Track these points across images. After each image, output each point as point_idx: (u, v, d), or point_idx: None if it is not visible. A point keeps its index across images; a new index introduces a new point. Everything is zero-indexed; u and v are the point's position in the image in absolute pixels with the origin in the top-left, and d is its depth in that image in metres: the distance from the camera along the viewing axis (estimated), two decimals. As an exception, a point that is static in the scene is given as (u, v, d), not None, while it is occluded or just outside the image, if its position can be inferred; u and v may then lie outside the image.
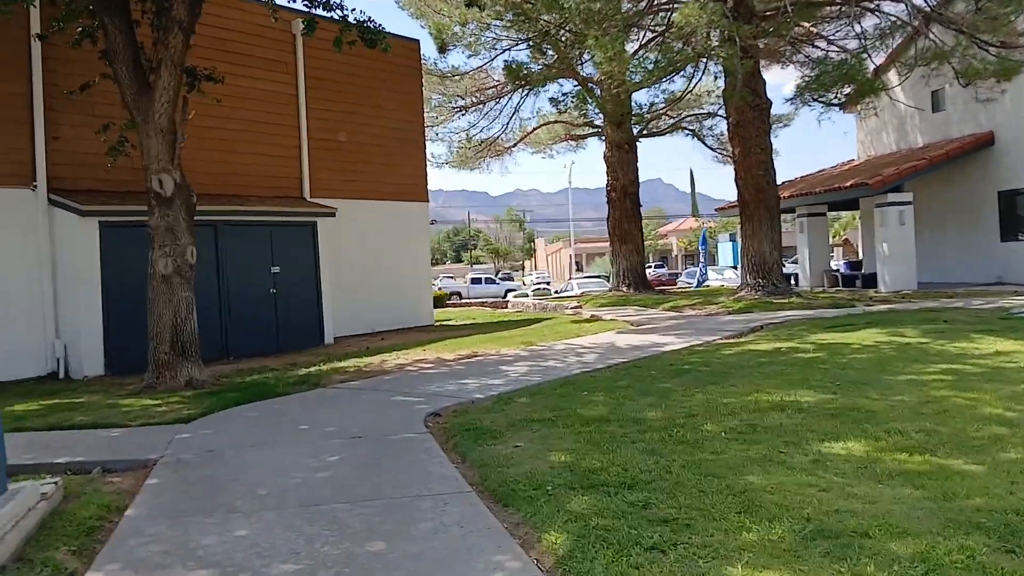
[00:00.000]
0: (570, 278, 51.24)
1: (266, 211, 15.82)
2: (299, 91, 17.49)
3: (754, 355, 10.33)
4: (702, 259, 37.79)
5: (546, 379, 9.47)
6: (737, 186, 19.72)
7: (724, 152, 31.36)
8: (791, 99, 18.64)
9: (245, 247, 15.49)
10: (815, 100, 17.96)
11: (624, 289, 26.90)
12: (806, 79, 16.59)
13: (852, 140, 30.75)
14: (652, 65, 15.77)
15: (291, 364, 13.19)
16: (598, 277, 49.70)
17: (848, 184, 23.43)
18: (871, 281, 24.92)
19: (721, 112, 29.87)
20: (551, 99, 25.93)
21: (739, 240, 30.77)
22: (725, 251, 53.24)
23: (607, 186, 27.57)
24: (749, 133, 19.10)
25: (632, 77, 16.52)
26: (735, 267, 47.22)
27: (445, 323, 20.62)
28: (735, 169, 19.72)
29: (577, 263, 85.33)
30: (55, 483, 5.69)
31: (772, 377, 8.61)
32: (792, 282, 30.12)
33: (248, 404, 9.00)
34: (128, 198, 13.68)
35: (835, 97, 17.73)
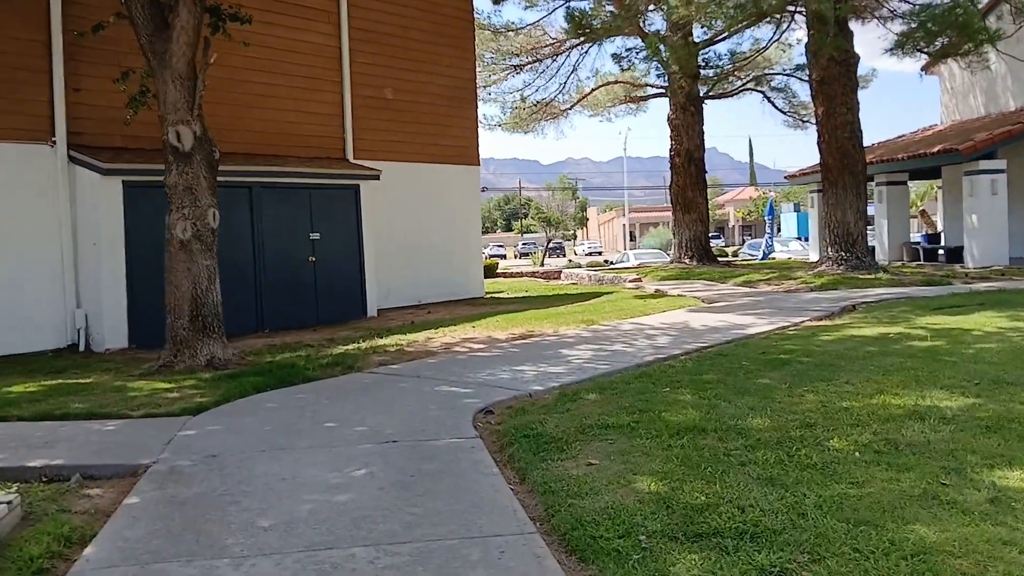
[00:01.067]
0: (625, 249, 49.51)
1: (306, 172, 14.59)
2: (343, 43, 16.15)
3: (859, 342, 8.82)
4: (768, 230, 35.91)
5: (615, 367, 8.09)
6: (819, 150, 17.98)
7: (795, 116, 29.52)
8: (890, 50, 16.75)
9: (283, 211, 14.30)
10: (919, 51, 16.09)
11: (687, 261, 25.30)
12: (909, 26, 14.70)
13: (935, 104, 28.51)
14: (734, 9, 14.07)
15: (328, 340, 12.00)
16: (656, 248, 47.98)
17: (935, 150, 21.49)
18: (956, 255, 23.00)
19: (796, 72, 28.00)
20: (614, 55, 24.38)
21: (812, 209, 28.93)
22: (789, 222, 50.92)
23: (670, 151, 25.89)
24: (834, 91, 17.32)
25: (713, 23, 14.87)
26: (800, 238, 45.15)
27: (496, 295, 19.31)
28: (818, 131, 17.96)
29: (630, 233, 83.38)
30: (7, 503, 4.49)
31: (891, 372, 7.12)
32: (866, 255, 28.28)
33: (270, 391, 7.77)
34: (156, 156, 12.47)
35: (939, 49, 15.83)
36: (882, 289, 14.61)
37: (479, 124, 19.96)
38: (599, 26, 18.62)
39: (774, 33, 21.60)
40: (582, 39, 23.06)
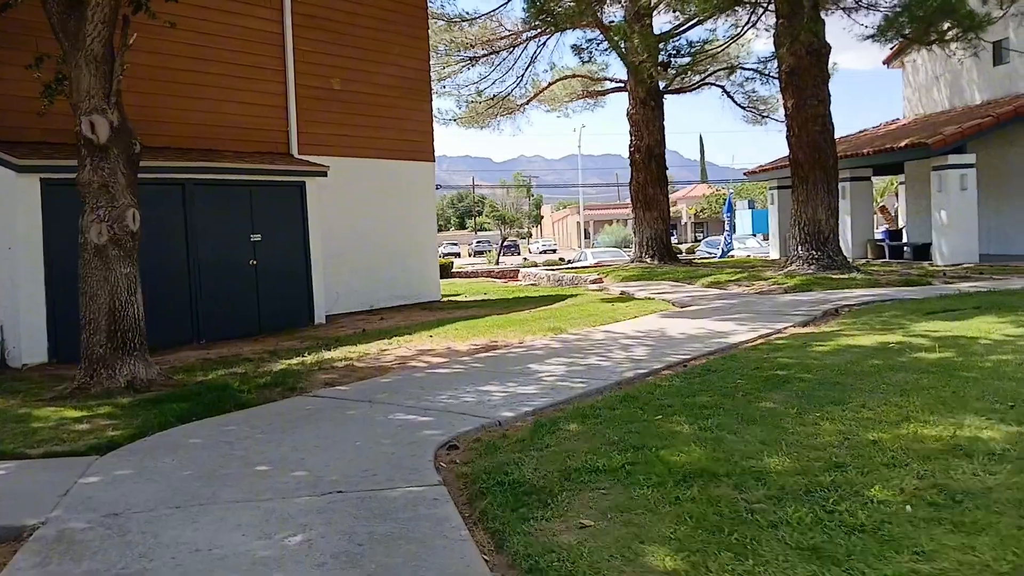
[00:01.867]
0: (582, 247, 48.76)
1: (245, 168, 13.44)
2: (285, 29, 15.00)
3: (859, 354, 7.98)
4: (727, 227, 35.28)
5: (593, 386, 7.15)
6: (789, 144, 17.26)
7: (755, 111, 29.01)
8: (872, 37, 16.03)
9: (220, 211, 13.15)
10: (902, 36, 15.38)
11: (648, 260, 24.55)
12: (892, 11, 13.92)
13: (895, 99, 28.09)
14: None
15: (270, 352, 10.91)
16: (613, 247, 47.34)
17: (903, 144, 20.94)
18: (923, 253, 22.53)
19: (758, 66, 27.40)
20: (574, 46, 23.36)
21: (772, 206, 28.34)
22: (744, 219, 50.61)
23: (630, 147, 25.10)
24: (805, 82, 16.59)
25: (686, 7, 13.99)
26: (756, 236, 44.80)
27: (453, 298, 18.30)
28: (787, 125, 17.24)
29: (585, 231, 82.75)
30: None
31: (909, 392, 6.27)
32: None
33: (196, 422, 6.68)
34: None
35: (923, 34, 15.11)
36: (860, 290, 13.89)
37: (433, 118, 18.94)
38: (560, 11, 17.64)
39: (746, 23, 20.71)
40: (540, 30, 22.15)
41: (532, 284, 24.23)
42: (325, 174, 14.56)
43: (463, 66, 24.16)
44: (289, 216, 14.13)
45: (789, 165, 17.42)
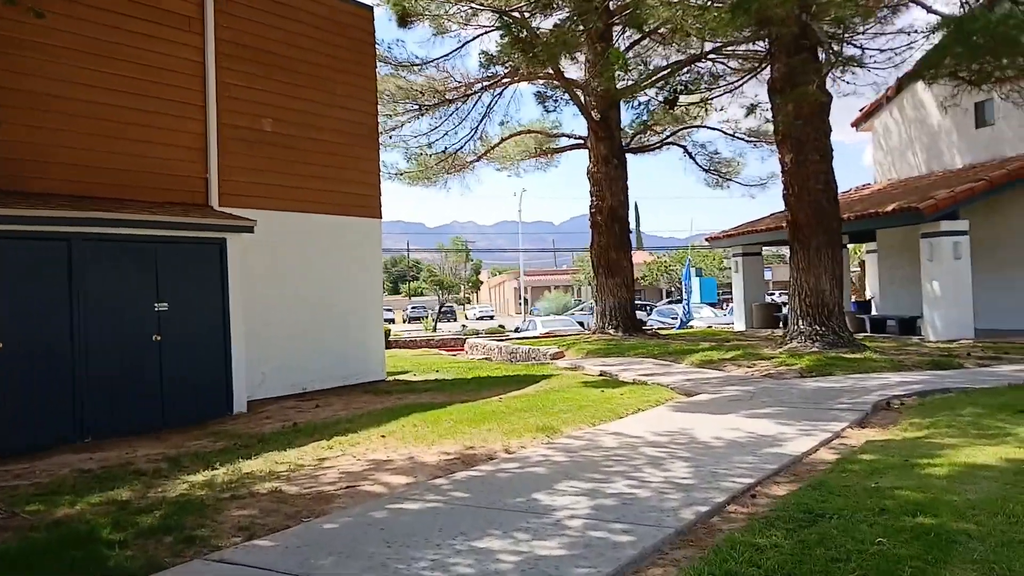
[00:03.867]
0: (531, 316, 46.50)
1: (151, 222, 10.84)
2: (207, 57, 12.55)
3: (1001, 482, 5.72)
4: (686, 296, 33.42)
5: (648, 542, 4.72)
6: (787, 204, 15.30)
7: (717, 173, 27.43)
8: (908, 75, 14.21)
9: (117, 274, 10.50)
10: (954, 75, 13.55)
11: (611, 331, 22.34)
12: (941, 42, 12.04)
13: (855, 165, 26.75)
14: (727, 14, 11.15)
15: (171, 460, 8.25)
16: (558, 314, 45.26)
17: (889, 209, 19.29)
18: (909, 327, 20.80)
19: (721, 126, 25.89)
20: (537, 93, 21.41)
21: (736, 274, 26.55)
22: (693, 287, 48.93)
23: (591, 207, 23.08)
24: (805, 134, 14.72)
25: (702, 32, 11.95)
26: (708, 304, 43.17)
27: (400, 377, 15.71)
28: (785, 183, 15.30)
29: (524, 298, 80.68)
30: None
31: None
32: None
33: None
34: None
35: (973, 75, 13.30)
36: (888, 375, 11.81)
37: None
38: (536, 51, 15.54)
39: (748, 75, 18.73)
40: (495, 80, 20.10)
41: (484, 358, 21.77)
42: (251, 230, 12.03)
43: (411, 116, 21.93)
44: (205, 280, 11.52)
45: (787, 227, 15.44)
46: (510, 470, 6.74)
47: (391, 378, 15.29)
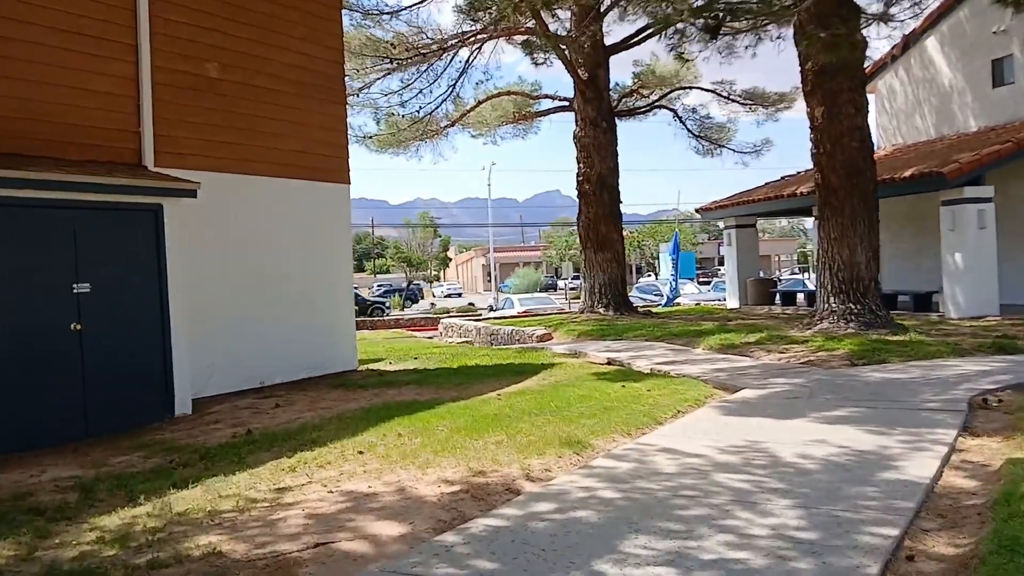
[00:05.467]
0: (508, 295, 44.55)
1: (65, 183, 8.71)
2: (137, -14, 10.38)
3: None
4: (673, 271, 31.61)
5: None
6: (816, 164, 13.43)
7: (707, 140, 25.65)
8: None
9: (22, 249, 8.39)
10: None
11: (601, 310, 20.49)
12: None
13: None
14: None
15: (83, 490, 6.27)
16: (533, 293, 43.46)
17: (907, 175, 17.55)
18: (925, 303, 19.18)
19: (715, 88, 24.06)
20: (524, 43, 19.38)
21: (729, 247, 24.82)
22: (665, 262, 47.12)
23: (578, 176, 21.15)
24: (839, 85, 12.85)
25: None
26: (688, 279, 41.54)
27: (374, 365, 13.72)
28: (814, 140, 13.41)
29: (490, 274, 78.69)
30: None
31: None
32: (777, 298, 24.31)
33: None
34: None
35: None
36: (955, 362, 10.05)
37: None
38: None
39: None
40: (475, 29, 18.00)
41: (464, 341, 19.84)
42: (194, 194, 9.93)
43: (381, 73, 19.73)
44: (137, 255, 9.44)
45: (816, 191, 13.57)
46: (545, 515, 4.80)
47: (364, 368, 13.30)
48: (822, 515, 4.58)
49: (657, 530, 4.43)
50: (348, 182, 13.37)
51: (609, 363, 11.75)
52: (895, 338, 11.85)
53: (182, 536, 4.89)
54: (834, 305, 13.03)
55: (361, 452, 6.83)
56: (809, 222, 29.41)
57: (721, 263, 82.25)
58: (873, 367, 9.83)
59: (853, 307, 12.80)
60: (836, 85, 12.82)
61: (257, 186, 11.80)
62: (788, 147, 27.90)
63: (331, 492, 5.70)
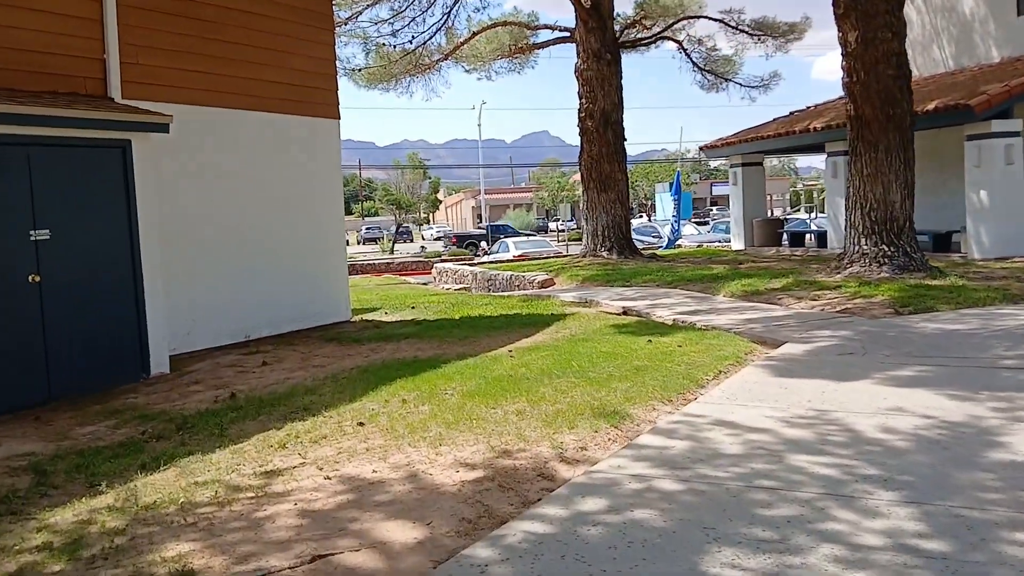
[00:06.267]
0: (491, 234, 43.57)
1: (22, 116, 7.62)
2: None
3: None
4: (675, 212, 30.57)
5: None
6: (849, 94, 12.34)
7: (713, 73, 24.44)
8: None
9: (-31, 188, 7.36)
10: None
11: (605, 254, 19.55)
12: None
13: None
14: None
15: (37, 472, 5.37)
16: (530, 235, 42.49)
17: (932, 107, 16.49)
18: (945, 243, 18.28)
19: (723, 17, 22.81)
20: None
21: (735, 187, 23.83)
22: (666, 203, 46.12)
23: (580, 111, 20.02)
24: (875, 6, 11.75)
25: None
26: (689, 220, 40.63)
27: (369, 316, 12.77)
28: (847, 69, 12.30)
29: (479, 216, 77.43)
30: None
31: None
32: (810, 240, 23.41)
33: None
34: None
35: None
36: (1010, 310, 9.15)
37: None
38: None
39: None
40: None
41: (460, 287, 18.89)
42: (166, 128, 8.84)
43: (372, 3, 18.38)
44: (103, 197, 8.39)
45: (848, 123, 12.50)
46: (596, 517, 3.87)
47: (358, 319, 12.35)
48: (941, 515, 3.69)
49: (743, 539, 3.53)
50: (338, 117, 12.25)
51: (625, 313, 10.83)
52: (935, 283, 10.94)
53: (147, 543, 3.97)
54: (866, 247, 12.08)
55: (361, 424, 5.91)
56: (801, 160, 28.31)
57: (714, 204, 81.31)
58: (922, 316, 8.92)
59: (887, 249, 11.87)
60: (872, 6, 11.70)
61: (238, 120, 10.70)
62: (793, 87, 26.65)
63: (329, 478, 4.78)
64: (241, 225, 10.75)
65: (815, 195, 30.13)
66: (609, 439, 5.20)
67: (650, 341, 8.26)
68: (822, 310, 9.89)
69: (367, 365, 8.31)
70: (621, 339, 8.58)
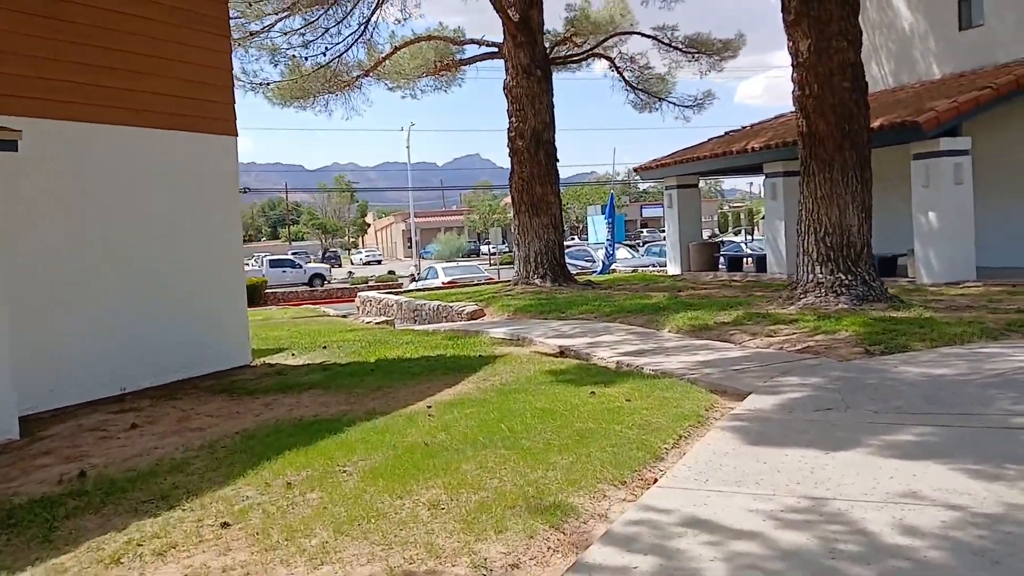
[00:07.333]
0: (420, 258, 42.20)
1: None
2: None
3: None
4: (609, 235, 29.60)
5: None
6: (801, 108, 11.36)
7: (647, 92, 23.63)
8: None
9: None
10: None
11: (538, 281, 18.38)
12: None
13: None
14: None
15: None
16: (456, 260, 41.20)
17: (877, 125, 15.74)
18: (891, 267, 17.53)
19: (656, 34, 22.00)
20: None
21: (670, 209, 22.95)
22: (598, 225, 45.30)
23: (509, 131, 18.89)
24: (828, 12, 10.79)
25: None
26: (622, 243, 39.84)
27: (272, 359, 11.29)
28: (798, 81, 11.32)
29: (409, 240, 75.96)
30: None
31: None
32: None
33: None
34: None
35: None
36: (995, 347, 8.15)
37: (238, 83, 12.02)
38: None
39: None
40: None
41: (383, 319, 17.51)
42: (14, 146, 7.36)
43: (282, 9, 16.98)
44: (-74, 228, 6.88)
45: (800, 141, 11.53)
46: None
47: (259, 362, 10.87)
48: None
49: None
50: (234, 133, 10.83)
51: (563, 353, 9.61)
52: (900, 315, 9.98)
53: None
54: (821, 276, 11.09)
55: (226, 524, 4.53)
56: (727, 183, 27.80)
57: (644, 225, 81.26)
58: (898, 358, 7.88)
59: (844, 278, 10.90)
60: (825, 12, 10.77)
61: (116, 138, 9.24)
62: (716, 110, 25.96)
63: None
64: (119, 258, 9.26)
65: (742, 217, 29.66)
66: (548, 548, 3.94)
67: (593, 393, 7.03)
68: (781, 348, 8.81)
69: (255, 429, 6.90)
70: (559, 390, 7.33)
